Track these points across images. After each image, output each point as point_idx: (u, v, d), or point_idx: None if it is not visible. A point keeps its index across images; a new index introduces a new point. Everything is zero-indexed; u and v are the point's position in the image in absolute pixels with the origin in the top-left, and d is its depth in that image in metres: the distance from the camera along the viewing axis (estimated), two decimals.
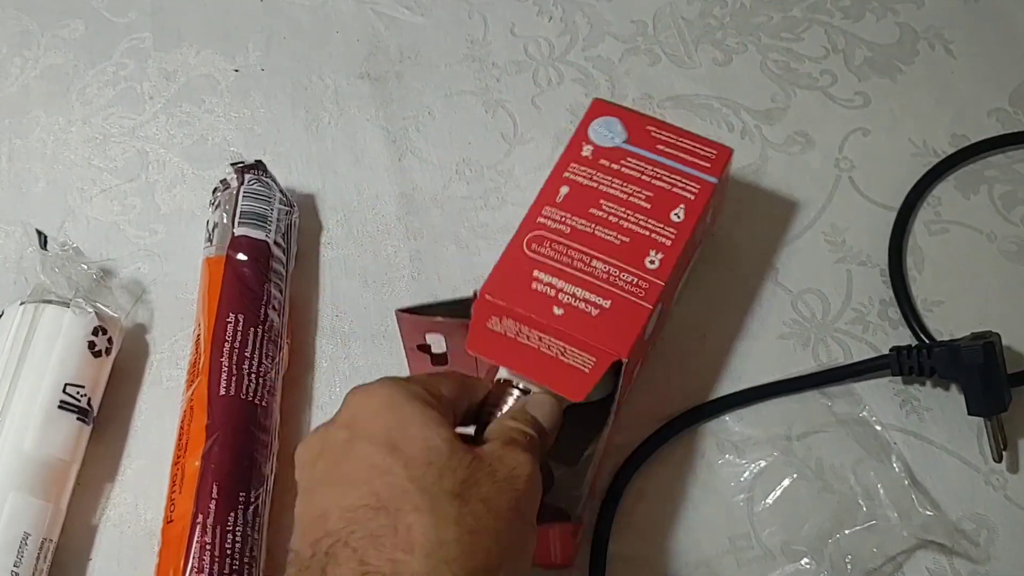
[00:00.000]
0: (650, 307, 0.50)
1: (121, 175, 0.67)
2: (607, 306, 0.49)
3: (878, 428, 0.56)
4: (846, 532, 0.53)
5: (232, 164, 0.60)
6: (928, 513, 0.53)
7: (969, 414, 0.55)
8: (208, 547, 0.49)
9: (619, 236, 0.52)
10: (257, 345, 0.54)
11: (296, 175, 0.66)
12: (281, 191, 0.61)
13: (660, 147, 0.55)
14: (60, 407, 0.52)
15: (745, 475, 0.55)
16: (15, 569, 0.49)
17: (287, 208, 0.60)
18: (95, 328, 0.55)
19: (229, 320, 0.54)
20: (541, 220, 0.53)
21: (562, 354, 0.49)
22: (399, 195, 0.65)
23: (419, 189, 0.66)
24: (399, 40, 0.72)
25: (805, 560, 0.52)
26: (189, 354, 0.56)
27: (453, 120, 0.69)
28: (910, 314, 0.60)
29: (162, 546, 0.50)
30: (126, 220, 0.65)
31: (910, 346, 0.57)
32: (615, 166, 0.54)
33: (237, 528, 0.50)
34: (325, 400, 0.58)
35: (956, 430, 0.57)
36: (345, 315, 0.61)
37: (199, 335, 0.55)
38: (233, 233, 0.57)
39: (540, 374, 0.48)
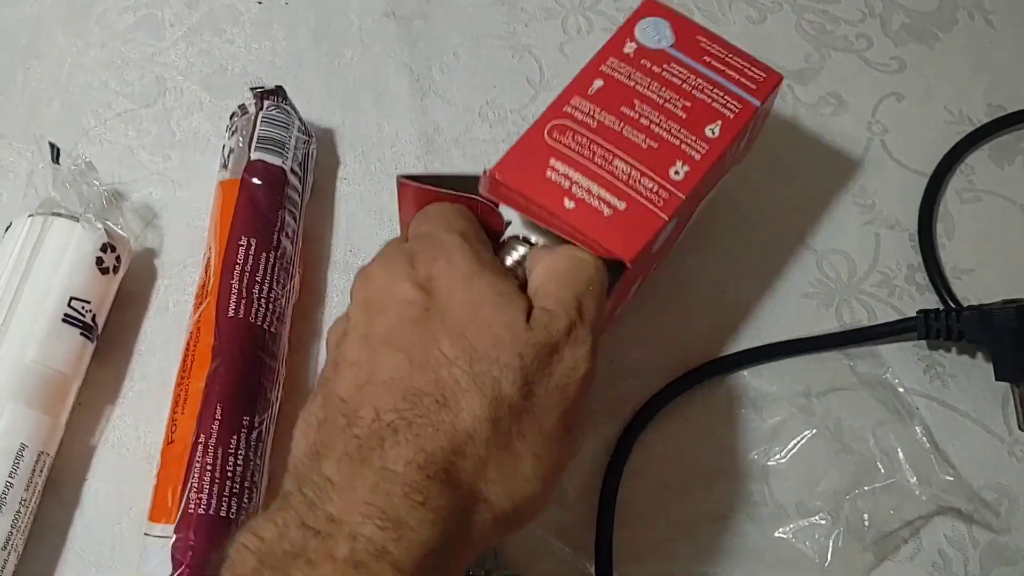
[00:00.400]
0: (666, 218, 0.46)
1: (138, 100, 0.65)
2: (621, 208, 0.46)
3: (900, 390, 0.54)
4: (865, 488, 0.51)
5: (252, 89, 0.59)
6: (948, 478, 0.52)
7: (997, 379, 0.53)
8: (209, 469, 0.48)
9: (647, 140, 0.49)
10: (268, 270, 0.53)
11: (316, 109, 0.64)
12: (300, 119, 0.59)
13: (707, 59, 0.52)
14: (64, 320, 0.51)
15: (761, 431, 0.54)
16: (10, 480, 0.47)
17: (305, 137, 0.59)
18: (104, 244, 0.53)
19: (241, 243, 0.53)
20: (567, 109, 0.49)
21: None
22: (420, 134, 0.64)
23: (440, 130, 0.64)
24: None
25: (819, 515, 0.51)
26: (198, 280, 0.54)
27: (478, 63, 0.67)
28: (938, 280, 0.58)
29: (161, 467, 0.49)
30: (140, 145, 0.63)
31: (938, 309, 0.55)
32: (656, 68, 0.51)
33: (239, 452, 0.48)
34: None
35: (980, 398, 0.55)
36: (359, 251, 0.60)
37: (209, 258, 0.54)
38: (249, 157, 0.56)
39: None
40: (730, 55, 0.52)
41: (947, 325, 0.54)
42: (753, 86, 0.51)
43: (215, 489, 0.47)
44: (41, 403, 0.49)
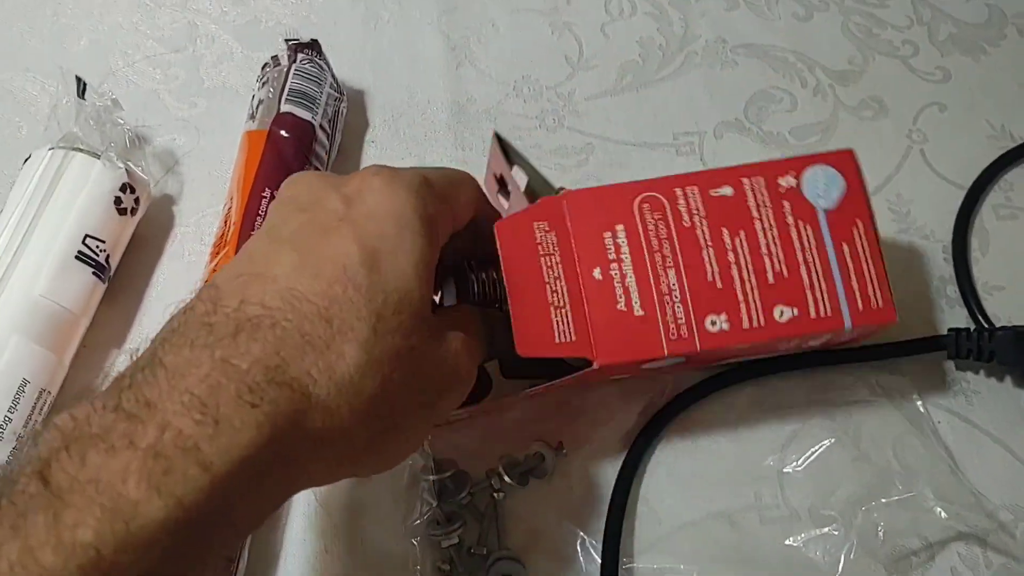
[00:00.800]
0: (665, 353, 0.43)
1: (168, 44, 0.64)
2: (638, 314, 0.43)
3: (925, 409, 0.53)
4: (882, 501, 0.50)
5: (286, 40, 0.58)
6: (969, 500, 0.50)
7: None
8: None
9: (716, 275, 0.44)
10: None
11: (347, 69, 0.63)
12: (333, 75, 0.58)
13: (845, 248, 0.45)
14: (77, 257, 0.50)
15: (781, 436, 0.52)
16: (9, 414, 0.46)
17: (336, 94, 0.58)
18: (124, 184, 0.52)
19: (264, 195, 0.52)
20: (676, 191, 0.44)
21: (556, 306, 0.42)
22: (452, 103, 0.63)
23: (473, 100, 0.63)
24: None
25: (832, 527, 0.50)
26: (216, 230, 0.53)
27: (517, 36, 0.66)
28: (969, 294, 0.57)
29: None
30: (167, 90, 0.62)
31: (969, 328, 0.54)
32: (791, 219, 0.45)
33: None
34: None
35: (1004, 417, 0.54)
36: None
37: (230, 208, 0.52)
38: (279, 109, 0.55)
39: (519, 303, 0.42)
40: (871, 263, 0.45)
41: (978, 345, 0.52)
42: (860, 307, 0.45)
43: None
44: (47, 339, 0.48)
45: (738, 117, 0.63)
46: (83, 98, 0.54)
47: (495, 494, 0.49)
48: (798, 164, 0.46)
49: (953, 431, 0.53)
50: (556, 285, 0.43)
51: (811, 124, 0.63)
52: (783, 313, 0.44)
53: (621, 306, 0.43)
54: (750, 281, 0.44)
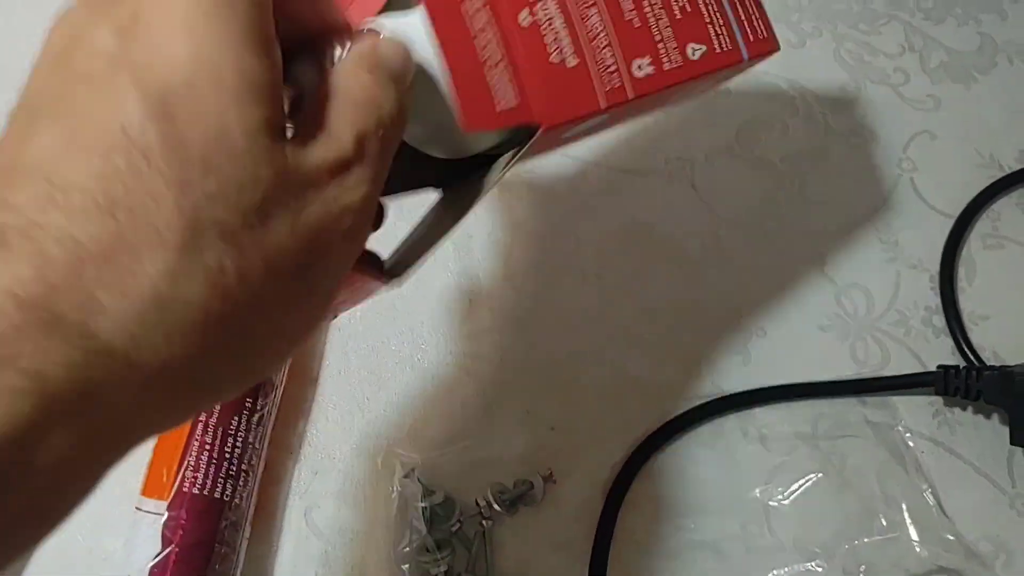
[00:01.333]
0: (604, 106, 0.39)
1: None
2: (571, 65, 0.38)
3: (910, 444, 0.54)
4: (865, 540, 0.51)
5: None
6: (949, 537, 0.51)
7: (1012, 443, 0.53)
8: (207, 448, 0.47)
9: (635, 15, 0.41)
10: None
11: None
12: None
13: None
14: None
15: (767, 468, 0.53)
16: None
17: None
18: None
19: None
20: None
21: (492, 66, 0.37)
22: None
23: None
24: None
25: (816, 562, 0.50)
26: None
27: None
28: (955, 325, 0.58)
29: (158, 440, 0.48)
30: None
31: (958, 366, 0.54)
32: None
33: (239, 433, 0.48)
34: (343, 322, 0.56)
35: (987, 448, 0.55)
36: None
37: None
38: None
39: (453, 63, 0.35)
40: (752, 2, 0.46)
41: (966, 384, 0.53)
42: (751, 38, 0.45)
43: (211, 469, 0.47)
44: None
45: (729, 143, 0.64)
46: None
47: (484, 522, 0.50)
48: None
49: (937, 461, 0.54)
50: (484, 38, 0.37)
51: (802, 151, 0.63)
52: (695, 51, 0.42)
53: (554, 58, 0.38)
54: (660, 16, 0.42)
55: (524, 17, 0.37)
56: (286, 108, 0.27)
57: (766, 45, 0.45)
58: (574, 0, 0.39)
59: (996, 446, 0.54)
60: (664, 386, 0.55)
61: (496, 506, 0.50)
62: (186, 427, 0.47)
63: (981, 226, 0.62)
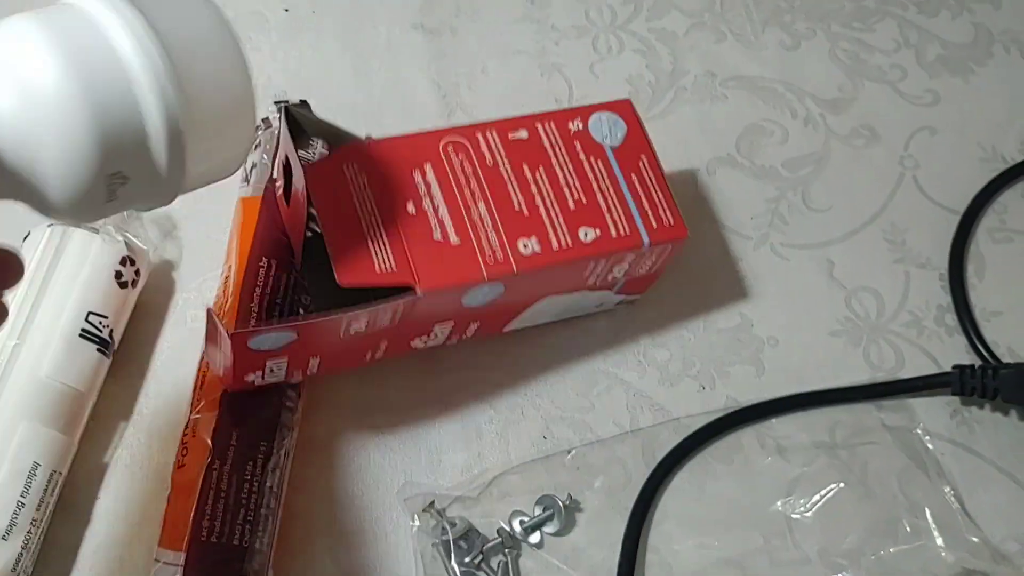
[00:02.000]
0: (483, 277, 0.46)
1: None
2: (454, 242, 0.46)
3: (930, 446, 0.53)
4: (890, 550, 0.50)
5: (276, 102, 0.58)
6: (974, 540, 0.51)
7: None
8: (223, 496, 0.47)
9: (522, 205, 0.48)
10: (288, 291, 0.52)
11: (340, 122, 0.63)
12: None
13: (634, 178, 0.51)
14: (81, 336, 0.50)
15: (787, 479, 0.53)
16: (21, 499, 0.46)
17: (327, 152, 0.58)
18: (123, 258, 0.52)
19: (261, 264, 0.52)
20: (477, 135, 0.49)
21: (372, 238, 0.45)
22: None
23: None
24: None
25: (843, 574, 0.50)
26: (215, 297, 0.54)
27: (507, 80, 0.66)
28: (968, 323, 0.57)
29: (173, 490, 0.48)
30: None
31: (973, 365, 0.54)
32: (582, 156, 0.50)
33: (255, 479, 0.47)
34: None
35: (1009, 449, 0.54)
36: None
37: (227, 276, 0.53)
38: (272, 175, 0.55)
39: (334, 237, 0.45)
40: (658, 189, 0.51)
41: (983, 383, 0.53)
42: (654, 225, 0.50)
43: (228, 517, 0.46)
44: (55, 421, 0.48)
45: (730, 152, 0.63)
46: None
47: (507, 551, 0.50)
48: (584, 112, 0.52)
49: (958, 462, 0.54)
50: (371, 220, 0.45)
51: (803, 155, 0.63)
52: (587, 234, 0.48)
53: (437, 236, 0.46)
54: (554, 208, 0.48)
55: (411, 207, 0.46)
56: None
57: (670, 232, 0.50)
58: (465, 195, 0.47)
59: (1017, 444, 0.54)
60: (679, 403, 0.54)
61: (518, 534, 0.50)
62: (200, 475, 0.47)
63: (988, 220, 0.62)
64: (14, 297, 0.50)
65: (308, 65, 0.66)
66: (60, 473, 0.49)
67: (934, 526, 0.51)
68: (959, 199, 0.62)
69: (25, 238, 0.53)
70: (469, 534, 0.50)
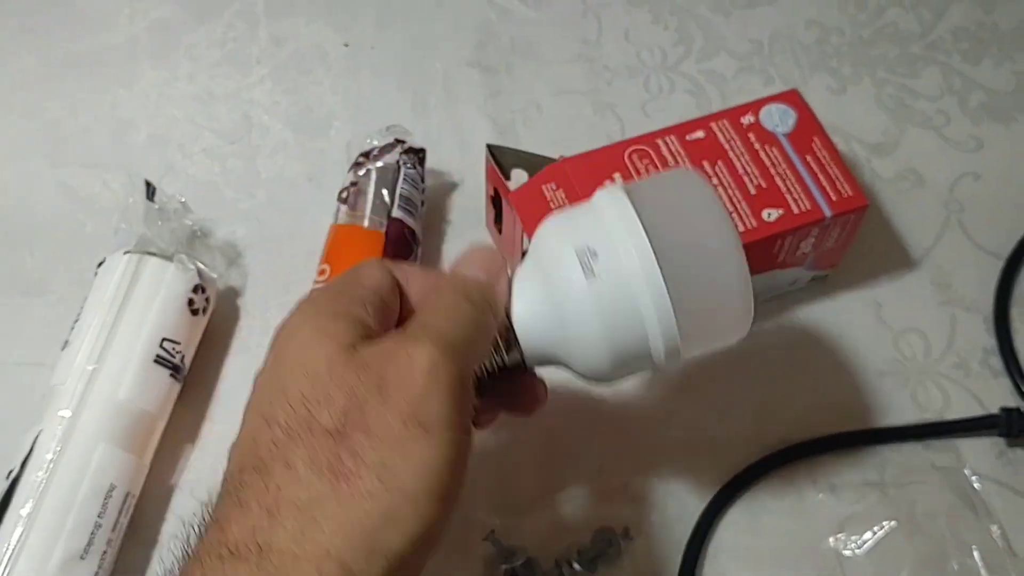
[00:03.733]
0: None
1: (224, 136, 0.66)
2: None
3: (977, 486, 0.54)
4: None
5: (398, 140, 0.59)
6: None
7: None
8: None
9: None
10: None
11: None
12: (423, 180, 0.61)
13: (809, 159, 0.54)
14: (156, 361, 0.51)
15: (838, 517, 0.54)
16: (99, 519, 0.48)
17: (423, 198, 0.60)
18: (196, 286, 0.54)
19: None
20: (658, 141, 0.54)
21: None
22: None
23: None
24: (511, 32, 0.71)
25: None
26: None
27: (561, 117, 0.68)
28: (1013, 366, 0.58)
29: None
30: (225, 181, 0.64)
31: (1019, 408, 0.55)
32: (757, 145, 0.54)
33: None
34: None
35: None
36: None
37: None
38: (391, 214, 0.57)
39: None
40: (833, 165, 0.54)
41: None
42: (833, 199, 0.53)
43: None
44: (130, 443, 0.50)
45: None
46: (153, 200, 0.55)
47: None
48: (754, 106, 0.56)
49: (1004, 502, 0.55)
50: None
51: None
52: (771, 215, 0.51)
53: None
54: (736, 196, 0.52)
55: None
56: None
57: (850, 202, 0.53)
58: None
59: None
60: (732, 439, 0.56)
61: (576, 565, 0.51)
62: None
63: None
64: (93, 321, 0.51)
65: (367, 99, 0.68)
66: (133, 495, 0.50)
67: (981, 565, 0.52)
68: (1003, 243, 0.63)
69: (100, 264, 0.54)
70: (528, 564, 0.51)
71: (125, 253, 0.54)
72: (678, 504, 0.54)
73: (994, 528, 0.53)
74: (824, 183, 0.54)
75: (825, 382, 0.58)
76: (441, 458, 0.34)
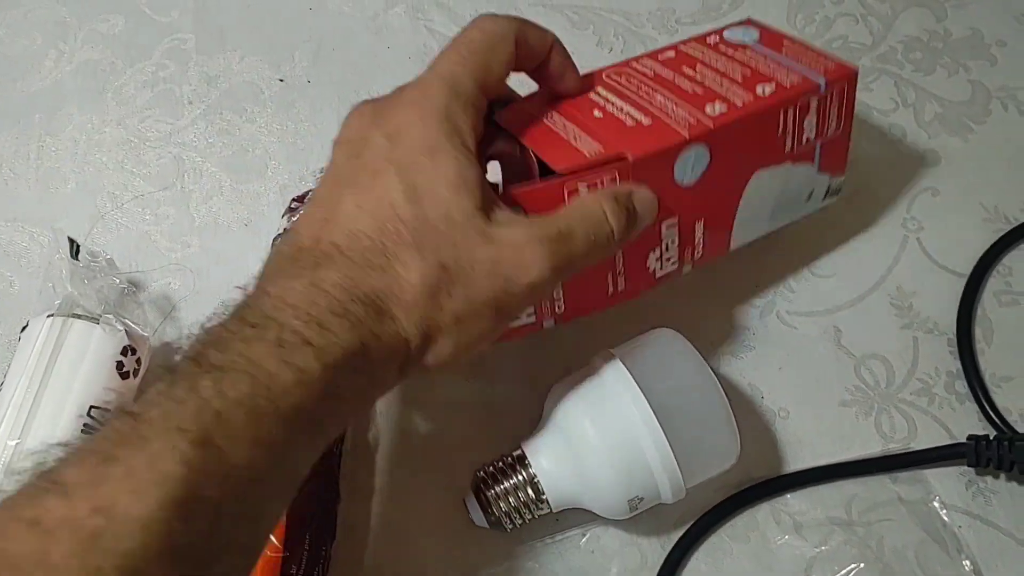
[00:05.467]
0: (687, 136, 0.47)
1: (155, 182, 0.63)
2: (646, 123, 0.48)
3: (947, 519, 0.53)
4: None
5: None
6: None
7: None
8: None
9: (695, 87, 0.50)
10: None
11: None
12: None
13: (785, 50, 0.54)
14: (84, 431, 0.49)
15: (804, 558, 0.52)
16: None
17: None
18: (124, 347, 0.51)
19: None
20: (632, 63, 0.53)
21: (575, 139, 0.47)
22: None
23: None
24: None
25: None
26: None
27: None
28: (979, 390, 0.57)
29: None
30: (158, 230, 0.61)
31: (988, 436, 0.53)
32: (730, 52, 0.54)
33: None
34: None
35: None
36: None
37: None
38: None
39: (539, 142, 0.47)
40: (810, 50, 0.54)
41: (998, 454, 0.52)
42: (822, 70, 0.52)
43: None
44: None
45: None
46: (77, 259, 0.53)
47: None
48: (716, 32, 0.56)
49: (975, 534, 0.53)
50: (567, 129, 0.48)
51: (806, 219, 0.62)
52: (764, 89, 0.50)
53: (630, 123, 0.48)
54: (724, 83, 0.51)
55: (597, 113, 0.49)
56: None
57: (841, 71, 0.52)
58: (641, 93, 0.50)
59: None
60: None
61: None
62: None
63: (993, 283, 0.61)
64: (14, 391, 0.49)
65: (304, 136, 0.66)
66: None
67: None
68: (964, 261, 0.62)
69: (24, 328, 0.52)
70: None
71: (48, 316, 0.51)
72: (639, 553, 0.52)
73: (966, 563, 0.52)
74: (807, 61, 0.53)
75: (787, 415, 0.56)
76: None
